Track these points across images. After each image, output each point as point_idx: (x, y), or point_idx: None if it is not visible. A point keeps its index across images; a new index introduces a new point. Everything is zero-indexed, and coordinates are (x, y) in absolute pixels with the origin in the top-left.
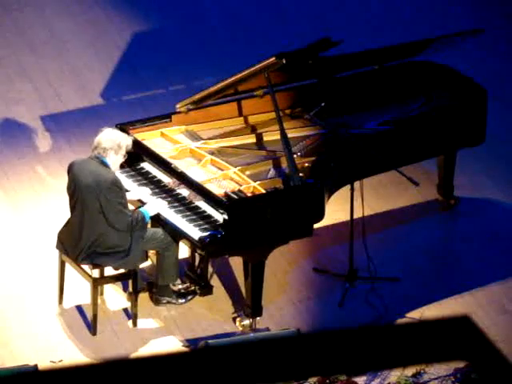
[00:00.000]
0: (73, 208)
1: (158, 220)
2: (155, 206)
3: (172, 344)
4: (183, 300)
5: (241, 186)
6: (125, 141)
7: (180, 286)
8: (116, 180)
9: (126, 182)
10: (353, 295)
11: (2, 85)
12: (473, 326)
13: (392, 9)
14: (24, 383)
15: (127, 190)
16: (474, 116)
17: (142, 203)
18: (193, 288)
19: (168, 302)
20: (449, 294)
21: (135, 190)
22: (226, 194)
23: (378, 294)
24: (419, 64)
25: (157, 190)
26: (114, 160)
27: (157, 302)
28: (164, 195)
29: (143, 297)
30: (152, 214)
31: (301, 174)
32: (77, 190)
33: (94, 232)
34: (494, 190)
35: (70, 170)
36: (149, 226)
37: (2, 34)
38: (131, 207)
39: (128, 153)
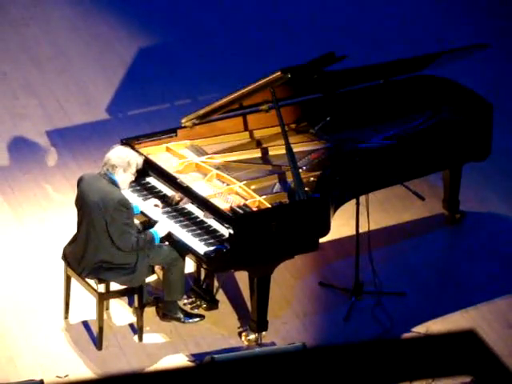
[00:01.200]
0: (79, 223)
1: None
2: (165, 226)
3: (178, 359)
4: (190, 320)
5: (246, 200)
6: (135, 159)
7: (186, 301)
8: (123, 200)
9: (132, 196)
10: (359, 309)
11: (7, 100)
12: (478, 341)
13: (398, 23)
14: None
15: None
16: (480, 130)
17: (146, 217)
18: (198, 303)
19: (174, 319)
20: (454, 309)
21: (145, 204)
22: (232, 209)
23: (384, 308)
24: (425, 78)
25: (162, 205)
26: (123, 178)
27: (163, 317)
28: (169, 209)
29: (149, 311)
30: (162, 235)
31: (306, 189)
32: (84, 206)
33: (100, 250)
34: (500, 205)
35: (79, 184)
36: None
37: (7, 49)
38: (136, 221)
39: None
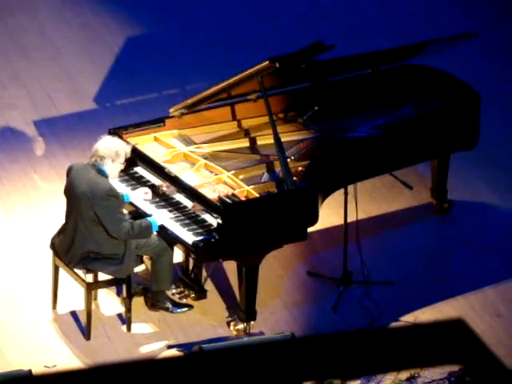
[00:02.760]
0: (68, 213)
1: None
2: (161, 216)
3: (166, 349)
4: (178, 310)
5: (234, 190)
6: (123, 149)
7: (174, 291)
8: (111, 190)
9: (120, 186)
10: (347, 299)
11: None
12: (467, 330)
13: (385, 13)
14: None
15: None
16: (467, 119)
17: (134, 207)
18: (186, 293)
19: (162, 309)
20: (443, 298)
21: (134, 194)
22: (220, 199)
23: (372, 297)
24: (412, 68)
25: (152, 195)
26: (112, 168)
27: (152, 307)
28: (158, 200)
29: (137, 301)
30: (160, 223)
31: (294, 178)
32: (72, 196)
33: (88, 240)
34: (488, 194)
35: (68, 174)
36: None
37: None
38: (124, 211)
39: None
